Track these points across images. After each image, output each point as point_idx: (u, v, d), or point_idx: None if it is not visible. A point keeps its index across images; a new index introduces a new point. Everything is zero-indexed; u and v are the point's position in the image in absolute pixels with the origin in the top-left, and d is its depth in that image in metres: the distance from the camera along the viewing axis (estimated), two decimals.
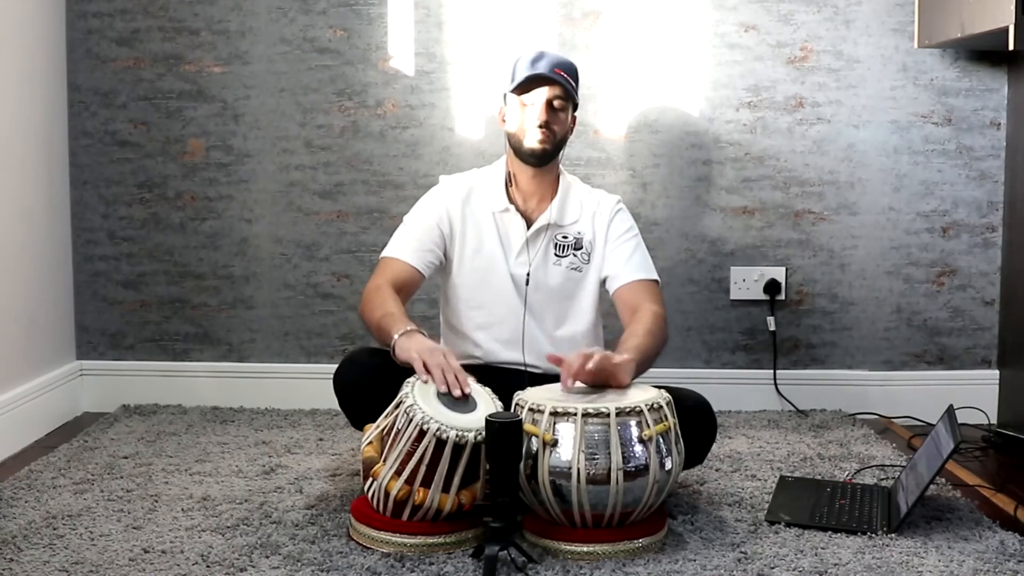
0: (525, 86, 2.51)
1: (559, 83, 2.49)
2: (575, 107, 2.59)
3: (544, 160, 2.54)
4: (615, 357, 2.25)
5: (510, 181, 2.61)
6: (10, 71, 2.98)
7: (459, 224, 2.59)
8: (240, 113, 3.36)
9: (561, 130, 2.54)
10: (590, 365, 2.20)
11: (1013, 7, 2.67)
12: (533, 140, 2.51)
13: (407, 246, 2.56)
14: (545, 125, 2.49)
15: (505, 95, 2.59)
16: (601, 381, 2.25)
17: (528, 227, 2.58)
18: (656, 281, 2.60)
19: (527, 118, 2.52)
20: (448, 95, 3.35)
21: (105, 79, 3.35)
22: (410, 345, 2.26)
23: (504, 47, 3.31)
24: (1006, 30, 2.71)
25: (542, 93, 2.50)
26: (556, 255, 2.59)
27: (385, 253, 2.58)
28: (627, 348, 2.33)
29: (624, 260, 2.58)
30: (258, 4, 3.33)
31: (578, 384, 2.26)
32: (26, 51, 3.09)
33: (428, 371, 2.20)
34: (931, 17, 3.15)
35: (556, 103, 2.51)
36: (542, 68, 2.49)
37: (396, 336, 2.29)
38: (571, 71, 2.55)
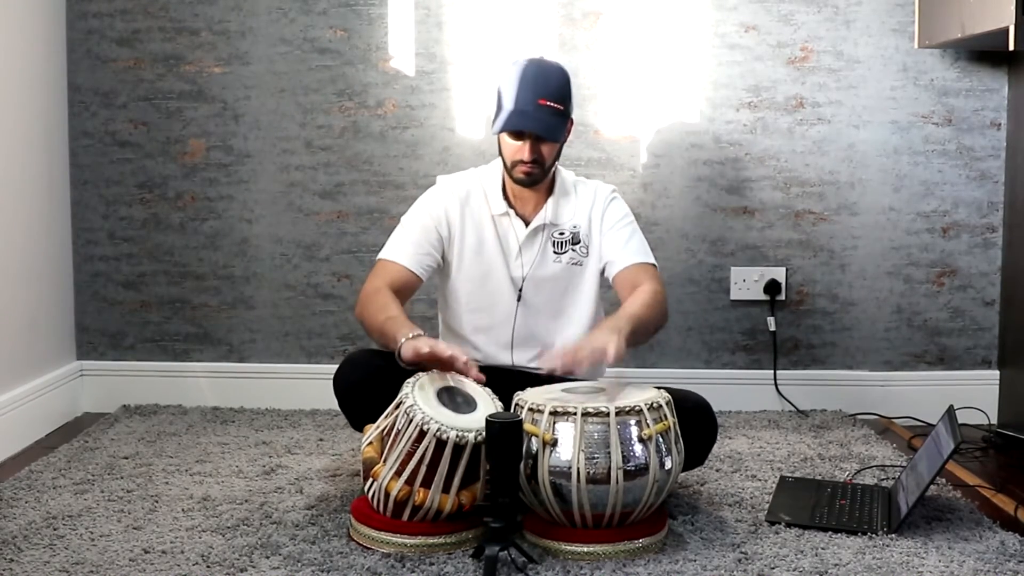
0: (508, 130, 2.46)
1: (543, 126, 2.43)
2: (569, 118, 2.51)
3: (535, 183, 2.52)
4: (594, 340, 2.25)
5: (507, 184, 2.60)
6: (10, 71, 2.98)
7: (458, 227, 2.57)
8: (240, 113, 3.36)
9: (551, 154, 2.49)
10: (570, 363, 2.20)
11: (1013, 7, 2.67)
12: (520, 173, 2.48)
13: (404, 249, 2.54)
14: (531, 162, 2.45)
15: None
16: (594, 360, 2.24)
17: (526, 228, 2.57)
18: (654, 265, 2.59)
19: (514, 152, 2.47)
20: (448, 95, 3.35)
21: (105, 79, 3.35)
22: (418, 344, 2.26)
23: (504, 47, 3.31)
24: (1006, 30, 2.71)
25: (526, 133, 2.45)
26: (555, 252, 2.58)
27: (382, 255, 2.55)
28: (620, 315, 2.33)
29: (621, 246, 2.57)
30: (258, 4, 3.33)
31: (582, 383, 2.27)
32: (26, 51, 3.09)
33: (439, 355, 2.20)
34: (931, 17, 3.14)
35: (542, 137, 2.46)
36: (526, 107, 2.42)
37: (402, 340, 2.28)
38: (559, 93, 2.46)
